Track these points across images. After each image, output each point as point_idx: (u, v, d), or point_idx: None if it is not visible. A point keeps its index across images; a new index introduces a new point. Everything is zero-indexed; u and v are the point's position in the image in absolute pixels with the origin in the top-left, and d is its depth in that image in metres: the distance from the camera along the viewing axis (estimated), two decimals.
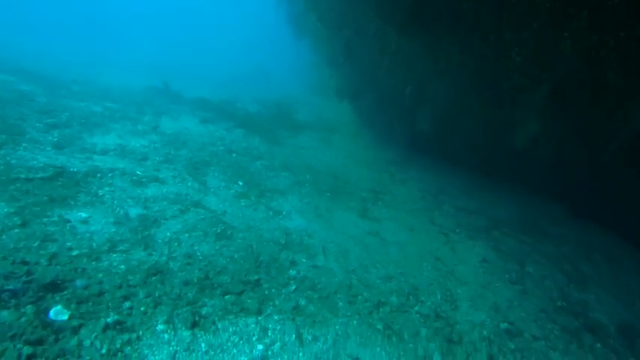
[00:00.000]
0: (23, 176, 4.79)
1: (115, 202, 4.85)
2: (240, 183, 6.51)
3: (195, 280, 3.79)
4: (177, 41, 34.97)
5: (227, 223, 5.03)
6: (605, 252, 6.65)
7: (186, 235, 4.52)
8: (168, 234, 4.46)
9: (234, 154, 7.98)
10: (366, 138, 12.59)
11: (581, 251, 6.55)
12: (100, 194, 4.92)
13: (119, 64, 20.57)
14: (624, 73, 4.44)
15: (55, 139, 6.39)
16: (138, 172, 5.84)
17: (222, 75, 22.02)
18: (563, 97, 5.36)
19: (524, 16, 4.86)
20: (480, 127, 7.00)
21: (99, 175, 5.40)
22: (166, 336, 3.08)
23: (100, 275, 3.50)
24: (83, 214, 4.38)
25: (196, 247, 4.34)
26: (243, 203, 5.82)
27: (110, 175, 5.49)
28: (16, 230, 3.77)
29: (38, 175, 4.92)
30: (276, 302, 3.80)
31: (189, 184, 5.99)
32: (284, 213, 5.87)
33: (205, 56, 29.06)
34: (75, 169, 5.35)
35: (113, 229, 4.26)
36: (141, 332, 3.04)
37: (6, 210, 4.07)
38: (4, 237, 3.62)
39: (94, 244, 3.92)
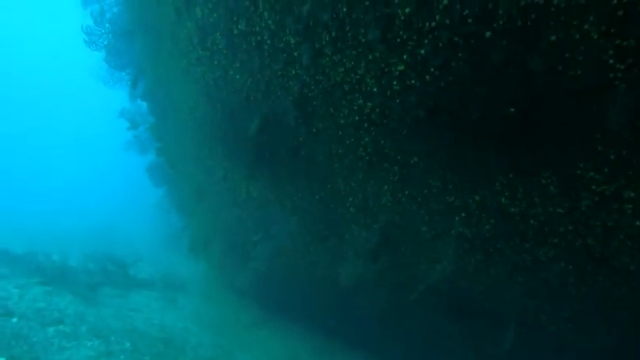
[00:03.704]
0: None
1: None
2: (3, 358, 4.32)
3: None
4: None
5: None
6: None
7: None
8: None
9: (14, 319, 5.65)
10: (222, 297, 11.19)
11: None
12: None
13: None
14: (430, 227, 5.07)
15: None
16: None
17: (55, 226, 18.56)
18: (388, 245, 5.79)
19: (350, 167, 5.49)
20: (317, 273, 6.94)
21: None
22: None
23: None
24: None
25: None
26: None
27: None
28: None
29: None
30: None
31: None
32: None
33: (48, 201, 24.79)
34: None
35: None
36: None
37: None
38: None
39: None
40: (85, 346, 5.49)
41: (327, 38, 3.92)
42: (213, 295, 11.48)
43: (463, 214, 4.51)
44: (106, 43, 7.98)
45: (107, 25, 7.64)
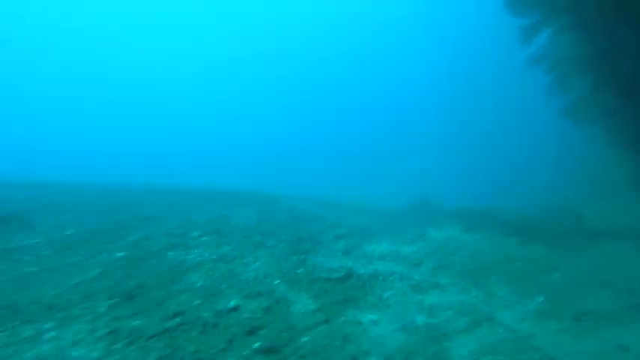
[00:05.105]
0: (324, 276, 5.34)
1: (398, 306, 4.53)
2: (540, 299, 4.98)
3: None
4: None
5: (542, 351, 3.64)
6: None
7: (490, 358, 3.48)
8: (463, 352, 3.58)
9: (517, 263, 6.57)
10: None
11: None
12: (384, 297, 4.76)
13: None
14: None
15: (343, 247, 7.20)
16: (415, 277, 5.52)
17: (483, 183, 21.47)
18: None
19: None
20: None
21: (380, 277, 5.41)
22: None
23: None
24: (372, 317, 4.22)
25: None
26: (553, 326, 4.26)
27: (390, 278, 5.40)
28: (322, 327, 3.93)
29: (334, 276, 5.39)
30: None
31: (473, 294, 5.07)
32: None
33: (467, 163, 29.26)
34: (360, 272, 5.59)
35: (402, 337, 3.81)
36: None
37: (312, 307, 4.42)
38: (313, 332, 3.80)
39: (386, 351, 3.53)
40: (599, 296, 5.39)
41: None
42: None
43: None
44: None
45: None
